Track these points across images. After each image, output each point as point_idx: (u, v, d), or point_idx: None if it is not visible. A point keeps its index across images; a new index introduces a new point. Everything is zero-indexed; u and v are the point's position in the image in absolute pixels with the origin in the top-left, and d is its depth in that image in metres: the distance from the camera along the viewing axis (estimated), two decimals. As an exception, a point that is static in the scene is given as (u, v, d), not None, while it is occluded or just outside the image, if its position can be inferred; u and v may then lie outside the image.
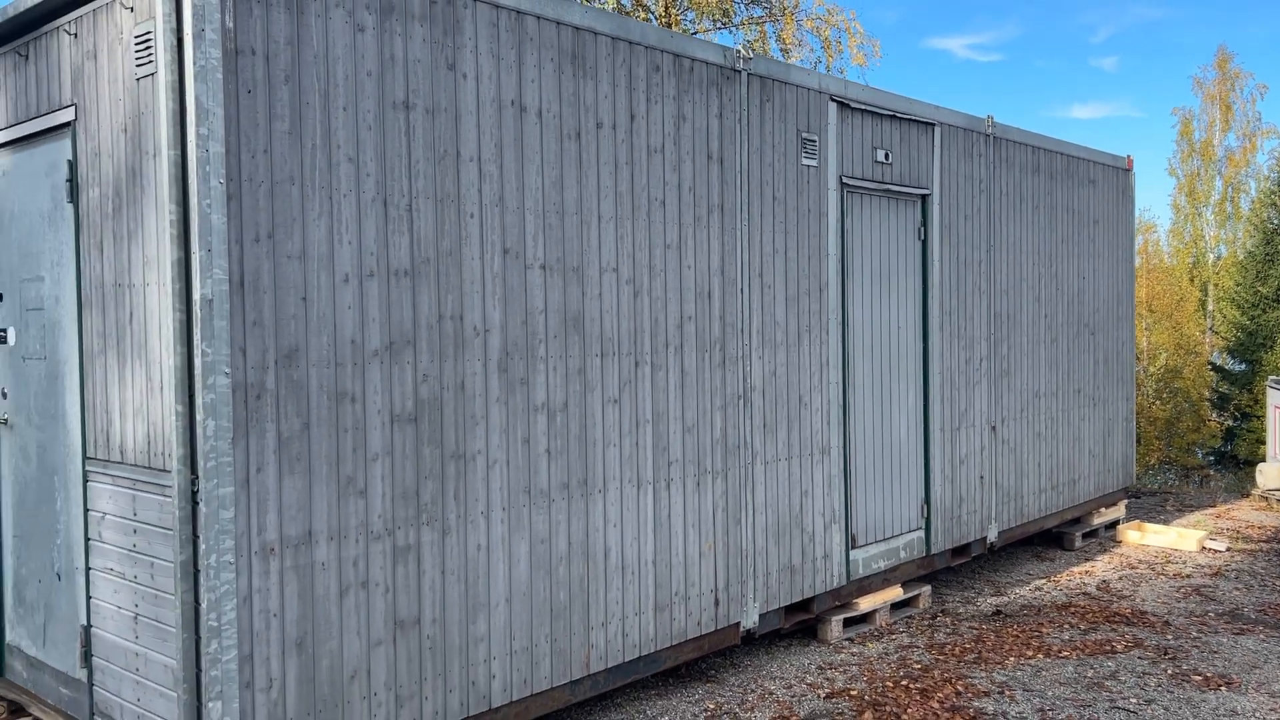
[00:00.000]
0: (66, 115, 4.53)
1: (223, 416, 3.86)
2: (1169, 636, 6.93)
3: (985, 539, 8.58)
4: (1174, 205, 45.81)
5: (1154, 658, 6.45)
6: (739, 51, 6.10)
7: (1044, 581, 8.73)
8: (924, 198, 7.74)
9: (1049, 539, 10.08)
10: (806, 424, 6.62)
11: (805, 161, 6.59)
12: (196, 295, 3.81)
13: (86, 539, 4.56)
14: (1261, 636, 6.95)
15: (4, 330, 5.15)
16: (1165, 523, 11.33)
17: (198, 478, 3.88)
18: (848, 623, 7.06)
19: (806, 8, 17.03)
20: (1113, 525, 10.79)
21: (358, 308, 4.27)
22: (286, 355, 4.05)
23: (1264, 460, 17.12)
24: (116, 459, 4.35)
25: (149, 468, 4.16)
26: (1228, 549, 10.08)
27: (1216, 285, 45.08)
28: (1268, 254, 43.32)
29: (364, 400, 4.30)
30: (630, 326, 5.43)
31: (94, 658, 4.54)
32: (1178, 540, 10.28)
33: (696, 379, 5.82)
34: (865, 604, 7.20)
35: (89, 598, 4.56)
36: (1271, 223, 43.93)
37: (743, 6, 17.25)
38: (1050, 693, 5.81)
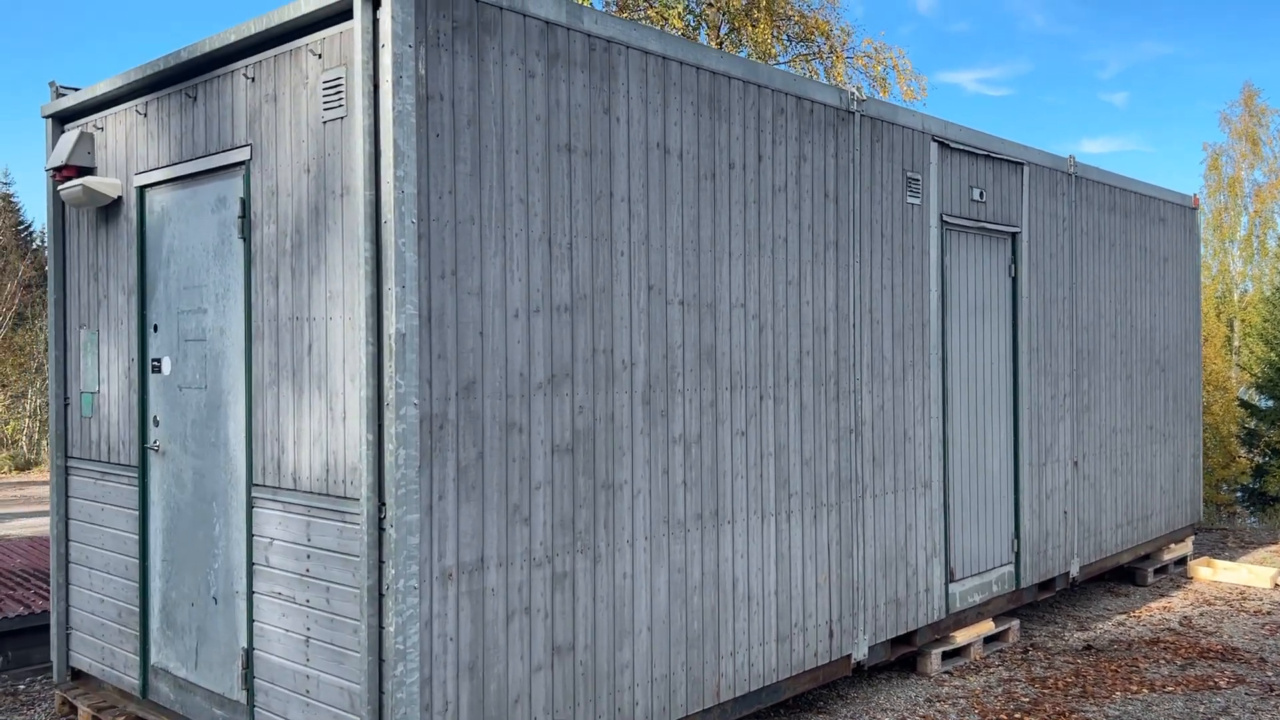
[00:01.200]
0: (240, 155, 4.73)
1: (411, 446, 4.01)
2: (1269, 673, 6.98)
3: (1068, 574, 8.64)
4: (1200, 240, 45.90)
5: (1261, 694, 6.50)
6: (852, 93, 6.28)
7: (1124, 617, 8.78)
8: (1014, 235, 7.89)
9: (1121, 575, 10.12)
10: (910, 458, 6.74)
11: (910, 200, 6.75)
12: (391, 329, 3.97)
13: (250, 564, 4.70)
14: (1360, 673, 6.99)
15: (159, 360, 5.33)
16: (1231, 559, 11.34)
17: (385, 505, 4.03)
18: (945, 656, 7.14)
19: (855, 45, 17.29)
20: (1181, 561, 10.81)
21: (525, 342, 4.43)
22: (465, 387, 4.21)
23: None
24: (288, 486, 4.51)
25: (327, 494, 4.31)
26: (1302, 586, 10.10)
27: (1243, 321, 45.00)
28: (1296, 290, 43.27)
29: (529, 431, 4.45)
30: (756, 361, 5.57)
31: (256, 679, 4.67)
32: (1249, 577, 10.30)
33: (813, 412, 5.95)
34: (961, 637, 7.28)
35: (251, 621, 4.70)
36: (1300, 258, 43.92)
37: (791, 43, 17.50)
38: (1181, 707, 5.88)
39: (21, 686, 6.85)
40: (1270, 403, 41.23)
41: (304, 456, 4.44)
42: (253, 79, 4.67)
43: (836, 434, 6.12)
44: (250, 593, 4.71)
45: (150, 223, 5.37)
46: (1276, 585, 10.12)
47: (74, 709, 6.09)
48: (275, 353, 4.58)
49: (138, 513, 5.45)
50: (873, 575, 6.39)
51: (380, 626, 4.04)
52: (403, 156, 3.98)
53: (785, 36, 16.90)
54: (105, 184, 5.51)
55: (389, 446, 4.00)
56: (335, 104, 4.24)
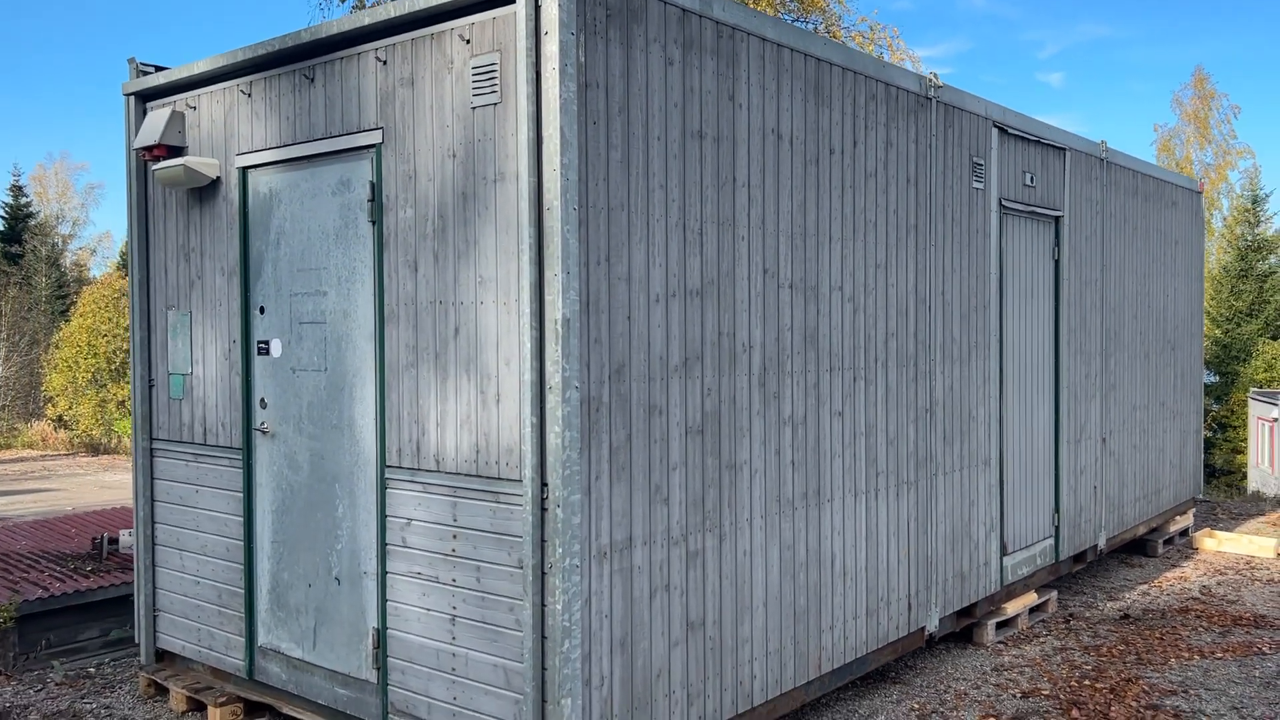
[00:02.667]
0: (370, 138, 4.73)
1: (574, 428, 4.08)
2: (1303, 638, 7.32)
3: (1096, 546, 8.95)
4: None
5: (1306, 658, 6.83)
6: (930, 79, 6.41)
7: (1146, 586, 9.11)
8: (1057, 219, 8.10)
9: (1132, 546, 10.48)
10: (974, 436, 6.94)
11: (974, 184, 6.91)
12: (557, 314, 4.03)
13: (383, 544, 4.75)
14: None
15: (266, 343, 5.32)
16: (1227, 530, 11.78)
17: (548, 486, 4.10)
18: (998, 626, 7.38)
19: (849, 22, 17.43)
20: (1184, 533, 11.22)
21: (664, 326, 4.51)
22: (616, 370, 4.29)
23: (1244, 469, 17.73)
24: (429, 468, 4.56)
25: (477, 476, 4.37)
26: (1302, 556, 10.54)
27: (1191, 299, 45.91)
28: (1241, 269, 44.52)
29: (667, 413, 4.54)
30: (850, 343, 5.71)
31: (390, 658, 4.73)
32: (1252, 548, 10.73)
33: (896, 393, 6.11)
34: (1011, 609, 7.52)
35: (384, 601, 4.75)
36: (1245, 239, 45.21)
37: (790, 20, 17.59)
38: (1232, 691, 6.16)
39: (93, 669, 6.81)
40: (1216, 379, 42.46)
41: (449, 439, 4.48)
42: (385, 62, 4.67)
43: (915, 414, 6.29)
44: (383, 573, 4.75)
45: (255, 204, 5.35)
46: (1279, 555, 10.56)
47: (161, 690, 6.09)
48: (413, 336, 4.61)
49: (242, 495, 5.45)
50: (943, 550, 6.59)
51: (543, 604, 4.12)
52: (567, 144, 4.03)
53: (783, 14, 16.98)
54: (204, 164, 5.47)
55: (554, 429, 4.07)
56: (487, 90, 4.27)
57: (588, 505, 4.16)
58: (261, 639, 5.39)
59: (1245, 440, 38.15)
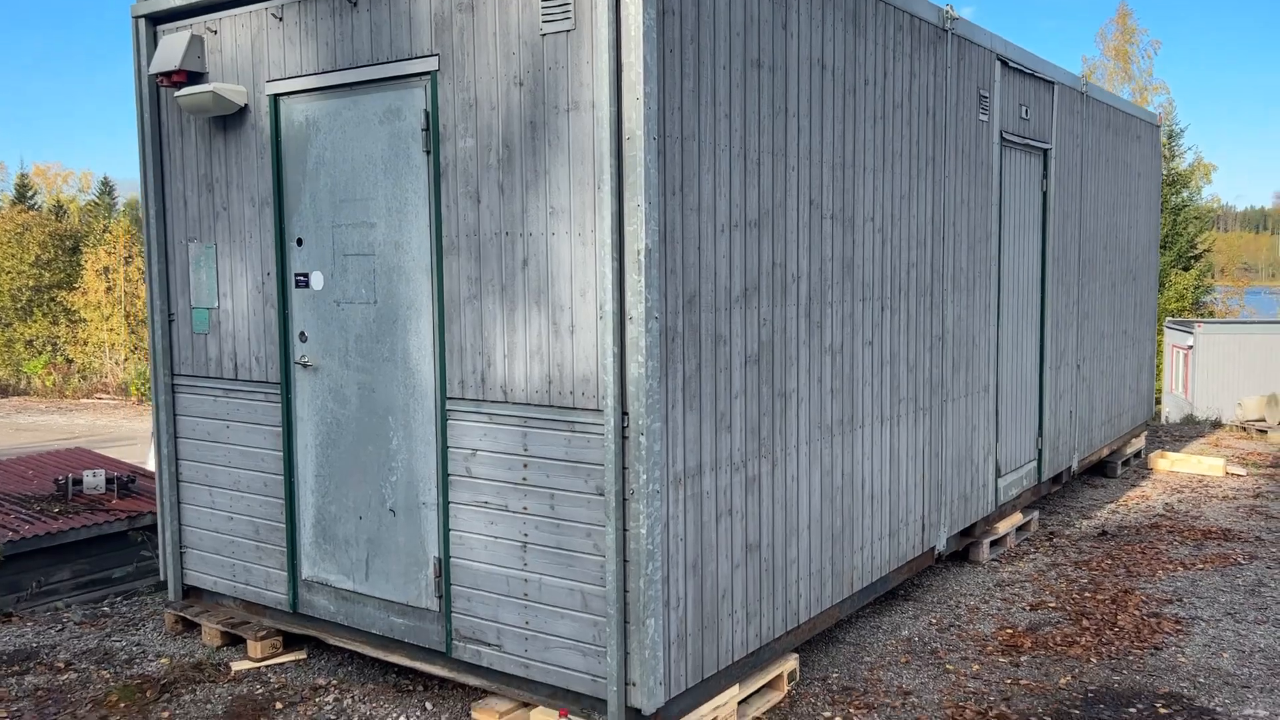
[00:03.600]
0: (424, 65, 4.65)
1: (655, 358, 4.14)
2: (1274, 550, 7.80)
3: (1070, 468, 9.36)
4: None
5: (1271, 561, 7.29)
6: (947, 11, 6.49)
7: (1114, 505, 9.57)
8: (1045, 152, 8.31)
9: (1094, 469, 10.96)
10: (976, 364, 7.17)
11: (980, 117, 7.05)
12: (639, 244, 4.06)
13: (445, 475, 4.77)
14: (1347, 548, 7.90)
15: (305, 275, 5.24)
16: (1175, 451, 12.38)
17: (628, 414, 4.17)
18: (991, 545, 7.71)
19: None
20: (1138, 455, 11.77)
21: (728, 257, 4.57)
22: (688, 300, 4.34)
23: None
24: (496, 399, 4.58)
25: (549, 406, 4.41)
26: (1247, 473, 11.16)
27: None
28: (1156, 203, 45.92)
29: (730, 342, 4.62)
30: (878, 273, 5.84)
31: (454, 586, 4.79)
32: (1201, 467, 11.31)
33: (915, 322, 6.28)
34: (1002, 528, 7.86)
35: (447, 530, 4.79)
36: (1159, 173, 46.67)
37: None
38: (1221, 599, 6.56)
39: (106, 609, 6.73)
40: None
41: (517, 369, 4.50)
42: (441, -14, 4.57)
43: (930, 342, 6.48)
44: (445, 503, 4.78)
45: (289, 133, 5.22)
46: (1228, 474, 11.15)
47: (190, 626, 6.06)
48: (476, 268, 4.59)
49: (281, 430, 5.40)
50: (950, 473, 6.84)
51: (624, 529, 4.21)
52: (649, 72, 4.03)
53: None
54: (233, 90, 5.30)
55: (635, 359, 4.12)
56: (559, 16, 4.22)
57: (665, 433, 4.24)
58: (306, 572, 5.40)
59: (1160, 367, 39.77)
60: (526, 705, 4.69)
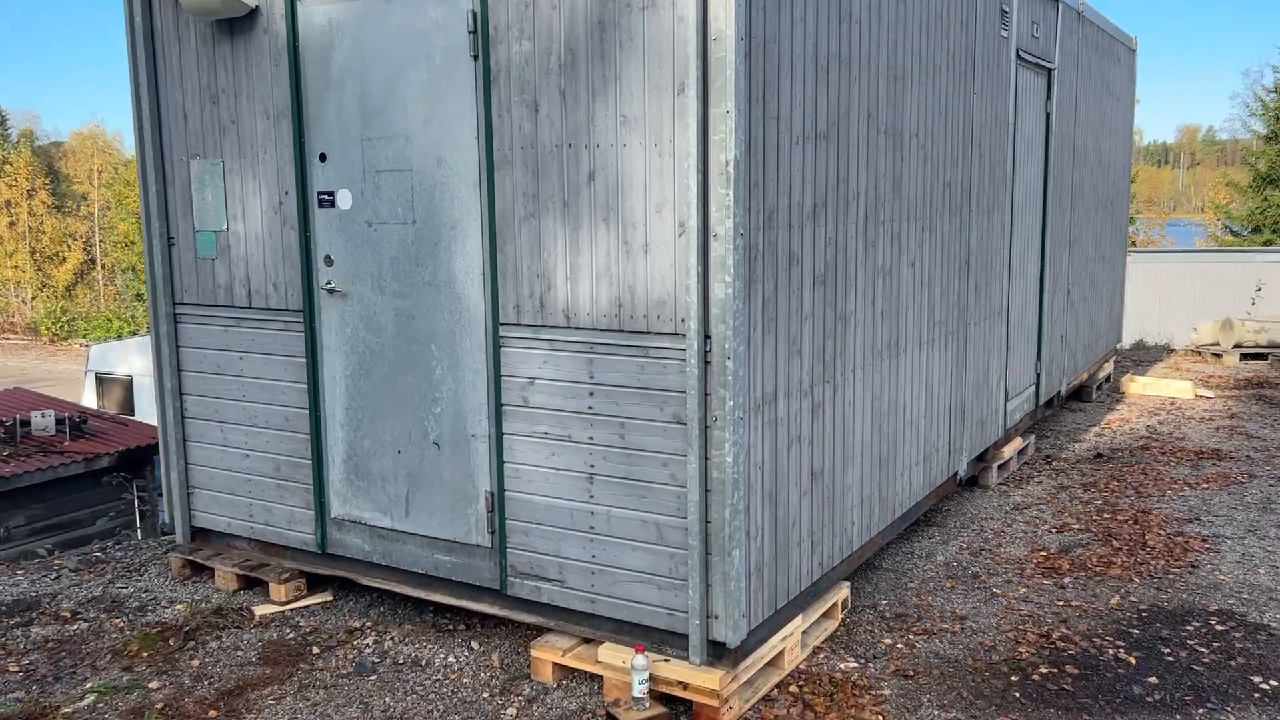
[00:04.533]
0: (472, -39, 4.27)
1: (741, 277, 3.91)
2: (1265, 468, 7.94)
3: (1059, 392, 9.41)
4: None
5: (1269, 479, 7.42)
6: (978, -79, 6.24)
7: (1098, 428, 9.68)
8: (1050, 72, 8.18)
9: (1070, 393, 11.08)
10: (993, 288, 7.08)
11: (1002, 33, 6.86)
12: (728, 155, 3.79)
13: (498, 405, 4.50)
14: (1335, 465, 8.09)
15: (330, 194, 4.86)
16: (1141, 375, 12.60)
17: (711, 338, 3.94)
18: (997, 469, 7.71)
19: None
20: (1108, 379, 11.94)
21: (801, 170, 4.33)
22: (768, 217, 4.11)
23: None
24: (557, 324, 4.31)
25: (620, 330, 4.16)
26: (1216, 395, 11.39)
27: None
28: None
29: (801, 262, 4.40)
30: (921, 192, 5.66)
31: (509, 521, 4.55)
32: (1171, 390, 11.51)
33: (948, 244, 6.13)
34: (1006, 452, 7.86)
35: (500, 463, 4.54)
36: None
37: None
38: (1238, 517, 6.64)
39: (99, 555, 6.34)
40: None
41: (582, 292, 4.23)
42: (491, -127, 4.18)
43: (959, 265, 6.35)
44: (498, 435, 4.52)
45: (308, 38, 4.79)
46: (1197, 396, 11.37)
47: (197, 570, 5.73)
48: (533, 184, 4.28)
49: (304, 360, 5.05)
50: (971, 398, 6.77)
51: (706, 458, 4.01)
52: (739, -33, 3.73)
53: None
54: (244, -9, 4.85)
55: (721, 278, 3.88)
56: (634, -94, 3.88)
57: (748, 357, 4.03)
58: (336, 510, 5.10)
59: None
60: (589, 641, 4.50)
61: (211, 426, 5.46)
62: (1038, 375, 8.51)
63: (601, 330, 4.21)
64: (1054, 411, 10.14)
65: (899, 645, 4.81)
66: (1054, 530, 6.45)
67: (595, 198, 4.14)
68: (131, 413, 18.05)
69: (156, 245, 5.42)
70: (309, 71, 4.82)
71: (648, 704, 4.11)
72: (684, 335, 3.99)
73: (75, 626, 5.14)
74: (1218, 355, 14.59)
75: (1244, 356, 14.24)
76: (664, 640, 4.29)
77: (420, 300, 4.68)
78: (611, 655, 4.29)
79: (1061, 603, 5.25)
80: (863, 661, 4.66)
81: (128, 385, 18.95)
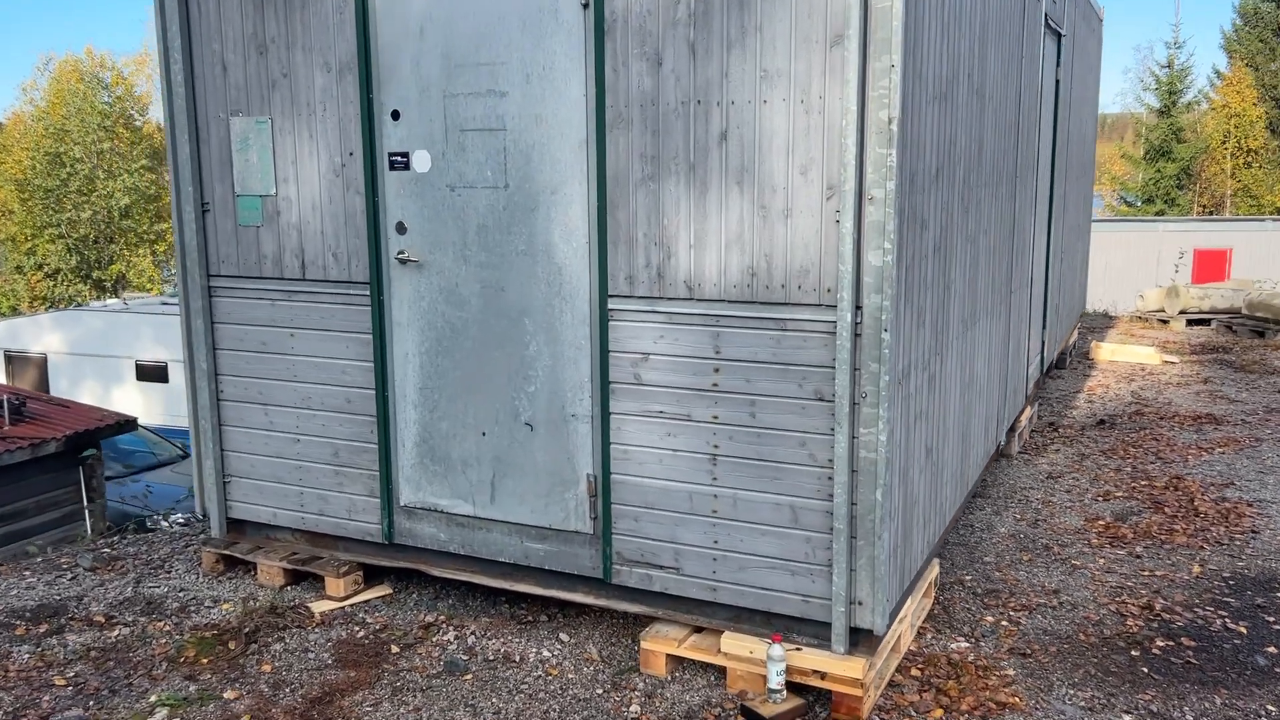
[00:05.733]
0: (585, -100, 3.91)
1: (894, 243, 3.69)
2: (1267, 430, 8.11)
3: (1052, 360, 9.49)
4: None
5: (1275, 442, 7.59)
6: (1031, -120, 6.10)
7: (1085, 395, 9.80)
8: (1060, 38, 8.13)
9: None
10: (1027, 258, 7.02)
11: (1038, -2, 6.76)
12: (893, 112, 3.56)
13: (605, 383, 4.20)
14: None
15: (404, 155, 4.46)
16: (1103, 342, 12.87)
17: (862, 309, 3.71)
18: (1013, 438, 7.71)
19: None
20: (1074, 346, 12.14)
21: (930, 132, 4.12)
22: (910, 179, 3.89)
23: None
24: (678, 295, 4.02)
25: (752, 302, 3.90)
26: (1181, 360, 11.68)
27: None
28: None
29: (928, 228, 4.21)
30: (992, 157, 5.51)
31: (615, 505, 4.27)
32: (1139, 355, 11.76)
33: (1003, 210, 6.02)
34: (1022, 421, 7.86)
35: (606, 444, 4.24)
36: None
37: None
38: (1269, 480, 6.74)
39: (107, 550, 5.82)
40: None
41: (708, 261, 3.95)
42: None
43: (1009, 232, 6.24)
44: (605, 415, 4.23)
45: (379, -17, 4.37)
46: (1164, 362, 11.63)
47: (231, 564, 5.29)
48: (653, 144, 3.97)
49: (371, 337, 4.65)
50: (1013, 367, 6.71)
51: (854, 436, 3.79)
52: (906, -89, 3.47)
53: None
54: (305, -71, 4.39)
55: (881, 244, 3.65)
56: None
57: (898, 328, 3.82)
58: (406, 498, 4.73)
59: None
60: (700, 630, 4.27)
61: (254, 410, 5.02)
62: (1043, 343, 8.54)
63: (730, 301, 3.94)
64: (1042, 378, 10.23)
65: (1003, 622, 4.70)
66: (1100, 499, 6.44)
67: (728, 159, 3.86)
68: (46, 392, 16.98)
69: (189, 212, 4.92)
70: (381, 20, 4.39)
71: (784, 695, 3.91)
72: (831, 306, 3.76)
73: (115, 633, 4.67)
74: (1164, 321, 15.02)
75: (1189, 322, 14.69)
76: (789, 628, 4.08)
77: (512, 271, 4.33)
78: (736, 645, 4.06)
79: (1145, 573, 5.22)
80: (973, 641, 4.54)
81: (42, 364, 17.82)
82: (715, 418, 4.04)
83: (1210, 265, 27.30)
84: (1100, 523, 5.98)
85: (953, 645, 4.49)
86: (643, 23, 3.91)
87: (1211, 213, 39.21)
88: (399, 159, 4.47)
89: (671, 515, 4.18)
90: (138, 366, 17.13)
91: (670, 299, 4.04)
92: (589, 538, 4.37)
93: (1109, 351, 11.91)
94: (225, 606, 4.89)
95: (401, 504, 4.75)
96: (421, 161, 4.43)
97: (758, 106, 3.78)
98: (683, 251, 3.99)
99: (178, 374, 16.74)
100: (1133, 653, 4.39)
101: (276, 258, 4.82)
